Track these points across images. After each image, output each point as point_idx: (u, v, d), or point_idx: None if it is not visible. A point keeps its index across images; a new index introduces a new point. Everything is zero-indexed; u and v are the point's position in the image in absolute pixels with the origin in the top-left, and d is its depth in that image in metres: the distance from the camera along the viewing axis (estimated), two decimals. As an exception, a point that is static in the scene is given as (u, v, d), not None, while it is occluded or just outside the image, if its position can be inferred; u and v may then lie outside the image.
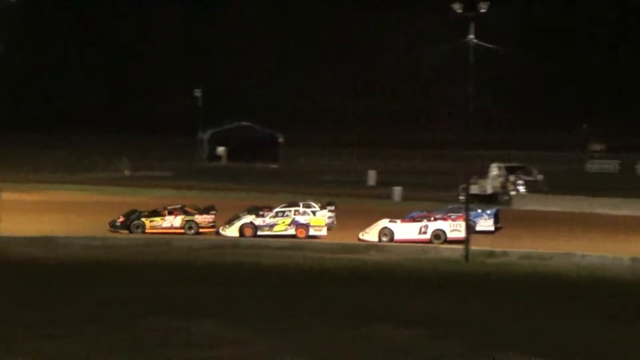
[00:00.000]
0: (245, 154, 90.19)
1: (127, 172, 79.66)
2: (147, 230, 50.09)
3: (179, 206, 51.50)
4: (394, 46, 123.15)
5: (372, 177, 76.89)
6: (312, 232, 49.75)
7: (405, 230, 49.26)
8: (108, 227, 50.42)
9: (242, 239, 49.00)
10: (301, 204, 50.97)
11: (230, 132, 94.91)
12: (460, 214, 49.34)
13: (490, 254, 45.92)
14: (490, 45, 49.30)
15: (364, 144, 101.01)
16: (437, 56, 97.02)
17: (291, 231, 49.87)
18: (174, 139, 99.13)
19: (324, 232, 49.73)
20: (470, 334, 25.95)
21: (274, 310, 29.56)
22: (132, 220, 50.09)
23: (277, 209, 50.11)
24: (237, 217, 50.26)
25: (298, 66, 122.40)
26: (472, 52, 44.49)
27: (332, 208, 51.83)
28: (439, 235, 49.08)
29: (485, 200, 60.29)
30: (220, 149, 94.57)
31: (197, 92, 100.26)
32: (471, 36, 44.54)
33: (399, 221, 49.93)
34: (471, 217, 49.49)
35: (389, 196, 66.06)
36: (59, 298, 31.25)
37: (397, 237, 49.09)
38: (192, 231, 50.11)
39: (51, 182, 72.13)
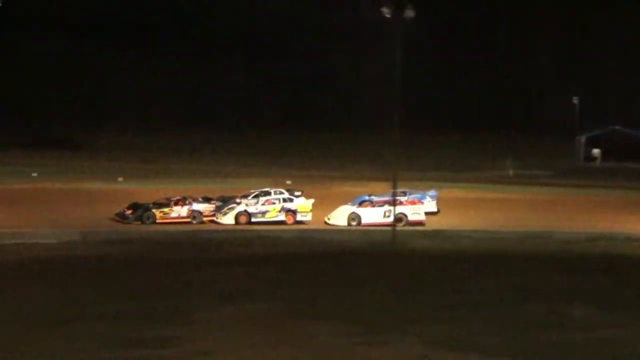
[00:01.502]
0: (618, 155, 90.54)
1: (511, 172, 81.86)
2: (157, 221, 51.34)
3: (179, 197, 53.06)
4: None
5: None
6: (299, 217, 52.22)
7: (371, 215, 51.96)
8: (115, 218, 51.84)
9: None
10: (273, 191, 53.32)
11: (604, 135, 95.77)
12: (414, 198, 53.37)
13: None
14: None
15: None
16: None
17: (282, 217, 52.09)
18: (553, 140, 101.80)
19: (309, 217, 52.18)
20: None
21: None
22: (141, 211, 51.16)
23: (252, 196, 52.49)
24: (232, 207, 52.00)
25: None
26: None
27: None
28: (401, 218, 51.66)
29: None
30: (596, 151, 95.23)
31: (575, 100, 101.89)
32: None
33: (350, 204, 52.87)
34: (419, 199, 53.67)
35: None
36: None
37: (364, 221, 51.95)
38: (196, 221, 51.96)
39: (439, 180, 76.05)
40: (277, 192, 53.29)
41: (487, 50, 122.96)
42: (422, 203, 53.97)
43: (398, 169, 50.51)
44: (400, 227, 50.94)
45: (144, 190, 60.70)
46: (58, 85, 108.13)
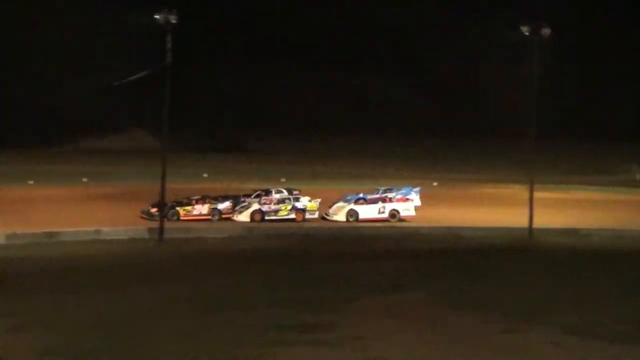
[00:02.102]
0: None
1: (638, 176, 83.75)
2: (181, 218, 53.70)
3: (200, 196, 55.42)
4: None
5: None
6: (308, 215, 54.91)
7: (367, 211, 55.06)
8: (142, 216, 54.10)
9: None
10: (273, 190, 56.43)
11: None
12: (402, 195, 56.65)
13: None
14: None
15: None
16: None
17: (292, 215, 54.65)
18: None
19: (316, 215, 54.98)
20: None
21: None
22: (167, 209, 52.05)
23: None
24: (246, 206, 54.57)
25: None
26: None
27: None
28: (394, 214, 55.26)
29: None
30: None
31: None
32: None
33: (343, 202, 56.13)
34: (406, 195, 56.86)
35: None
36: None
37: (361, 217, 54.89)
38: (216, 218, 54.35)
39: (569, 183, 78.67)
40: (277, 191, 56.44)
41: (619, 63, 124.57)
42: (412, 199, 57.52)
43: (534, 172, 53.53)
44: (393, 222, 55.16)
45: (303, 191, 64.52)
46: (235, 98, 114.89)
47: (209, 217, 54.28)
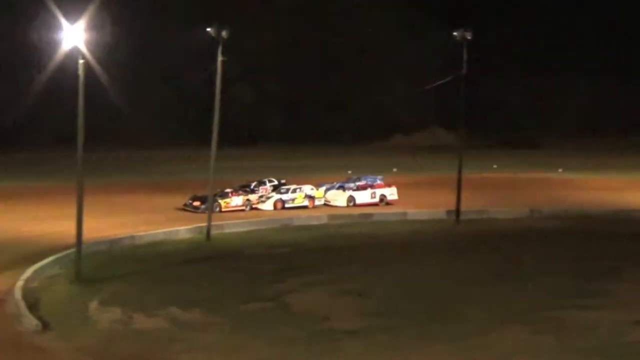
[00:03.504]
0: None
1: None
2: (223, 209, 53.99)
3: (231, 189, 55.70)
4: None
5: None
6: (317, 202, 56.73)
7: (362, 197, 57.64)
8: (185, 208, 54.24)
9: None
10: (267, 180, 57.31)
11: None
12: (368, 182, 59.02)
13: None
14: None
15: None
16: None
17: (306, 202, 56.20)
18: None
19: (322, 202, 56.87)
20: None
21: None
22: (211, 202, 50.84)
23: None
24: (270, 196, 55.99)
25: None
26: None
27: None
28: (382, 198, 58.16)
29: None
30: None
31: None
32: None
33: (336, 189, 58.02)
34: (371, 182, 59.18)
35: None
36: None
37: (357, 202, 57.47)
38: (248, 207, 55.24)
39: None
40: (270, 181, 58.04)
41: None
42: (394, 185, 60.28)
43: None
44: (381, 205, 58.43)
45: (577, 180, 68.82)
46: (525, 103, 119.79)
47: (244, 207, 55.60)
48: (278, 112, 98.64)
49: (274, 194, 56.94)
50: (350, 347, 29.30)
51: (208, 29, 46.97)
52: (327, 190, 58.92)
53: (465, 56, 53.36)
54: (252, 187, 57.38)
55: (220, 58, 47.46)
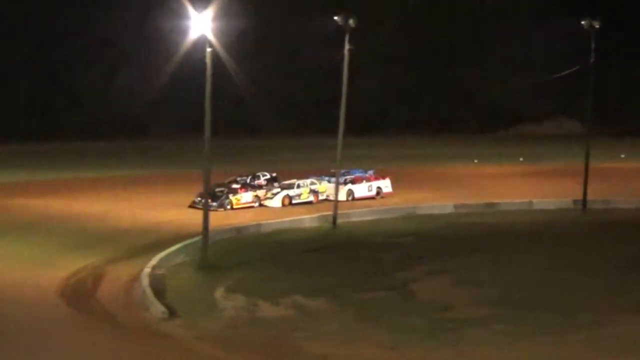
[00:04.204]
0: None
1: None
2: (234, 206, 50.74)
3: (239, 185, 52.37)
4: None
5: None
6: (321, 197, 53.62)
7: (360, 190, 55.21)
8: (195, 206, 49.23)
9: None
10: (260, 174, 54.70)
11: None
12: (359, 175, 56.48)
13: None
14: None
15: None
16: None
17: (311, 198, 53.26)
18: None
19: (324, 196, 53.54)
20: None
21: None
22: (223, 199, 50.30)
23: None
24: (277, 192, 52.94)
25: None
26: None
27: None
28: (379, 191, 55.79)
29: None
30: None
31: None
32: None
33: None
34: (363, 175, 56.87)
35: None
36: None
37: (356, 195, 54.96)
38: (257, 204, 52.00)
39: None
40: (263, 175, 55.46)
41: None
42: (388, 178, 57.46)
43: None
44: (378, 198, 56.00)
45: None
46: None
47: (253, 204, 52.39)
48: (403, 101, 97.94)
49: (279, 189, 54.12)
50: (470, 336, 29.20)
51: (335, 18, 46.95)
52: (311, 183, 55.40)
53: (593, 45, 52.10)
54: (249, 181, 54.49)
55: (347, 47, 47.22)
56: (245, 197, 52.05)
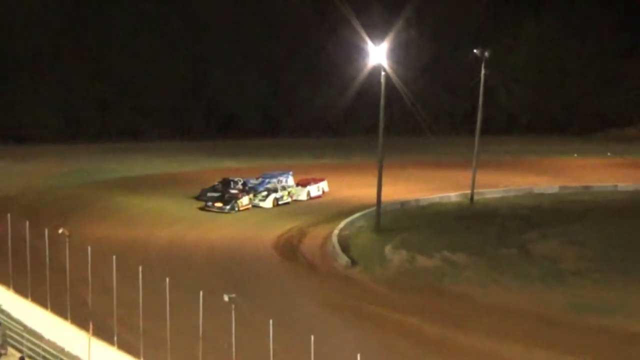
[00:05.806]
0: None
1: None
2: (240, 209, 42.00)
3: (239, 190, 43.11)
4: None
5: None
6: (295, 197, 44.75)
7: (314, 191, 45.72)
8: (206, 208, 41.91)
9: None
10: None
11: None
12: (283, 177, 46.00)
13: None
14: None
15: None
16: None
17: (288, 199, 44.30)
18: None
19: (295, 197, 44.83)
20: None
21: None
22: (233, 202, 41.87)
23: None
24: (267, 194, 43.47)
25: None
26: None
27: None
28: (323, 191, 46.74)
29: None
30: None
31: None
32: None
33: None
34: (286, 177, 45.84)
35: None
36: None
37: (312, 195, 45.20)
38: (251, 205, 42.32)
39: None
40: (238, 180, 45.17)
41: None
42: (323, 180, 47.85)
43: None
44: (323, 196, 46.43)
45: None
46: None
47: (249, 206, 43.11)
48: (526, 111, 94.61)
49: (266, 192, 44.56)
50: (572, 282, 29.94)
51: (475, 50, 47.10)
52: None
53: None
54: (240, 182, 45.13)
55: (482, 71, 46.65)
56: (245, 200, 43.10)
